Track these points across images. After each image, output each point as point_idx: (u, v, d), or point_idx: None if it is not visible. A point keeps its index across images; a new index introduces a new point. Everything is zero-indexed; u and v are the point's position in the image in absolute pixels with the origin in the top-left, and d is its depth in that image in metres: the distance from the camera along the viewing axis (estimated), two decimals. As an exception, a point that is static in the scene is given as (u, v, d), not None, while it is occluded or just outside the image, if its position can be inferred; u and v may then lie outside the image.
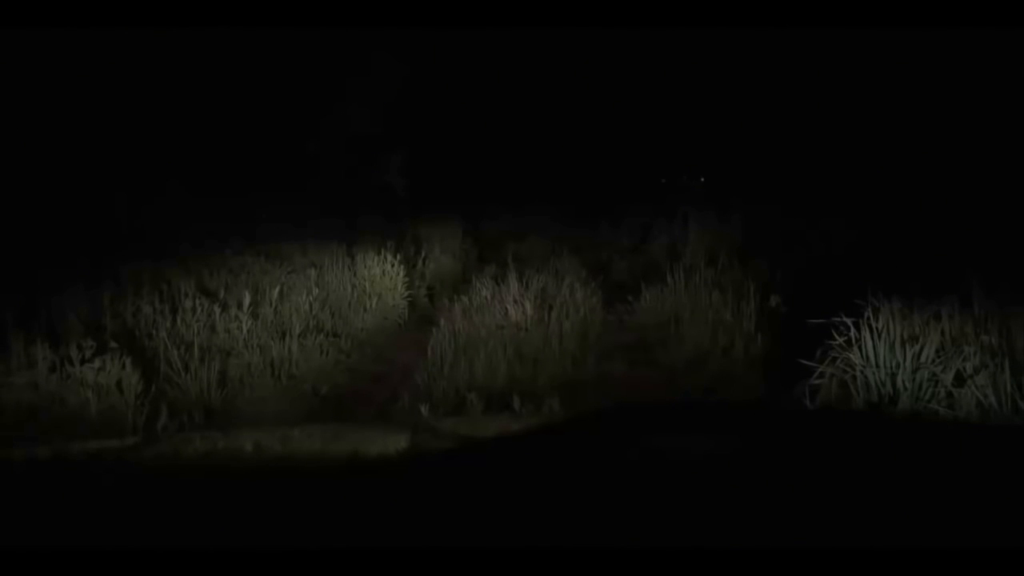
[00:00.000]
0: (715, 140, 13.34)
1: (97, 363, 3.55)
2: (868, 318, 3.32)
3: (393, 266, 7.45)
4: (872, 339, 3.21)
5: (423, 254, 9.13)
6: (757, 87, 10.67)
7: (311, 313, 6.13)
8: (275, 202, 10.47)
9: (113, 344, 3.80)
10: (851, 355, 3.26)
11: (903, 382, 3.03)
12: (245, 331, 5.31)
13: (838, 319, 3.44)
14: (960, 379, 2.90)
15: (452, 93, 13.70)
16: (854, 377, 3.21)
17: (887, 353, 3.13)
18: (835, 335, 3.42)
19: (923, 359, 3.05)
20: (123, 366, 3.69)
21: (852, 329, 3.35)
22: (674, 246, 9.77)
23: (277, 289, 6.15)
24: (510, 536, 1.06)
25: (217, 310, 5.45)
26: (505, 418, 3.11)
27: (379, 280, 7.31)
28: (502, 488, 1.27)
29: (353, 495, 1.25)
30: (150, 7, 7.48)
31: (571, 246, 10.35)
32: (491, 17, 8.99)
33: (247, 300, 5.62)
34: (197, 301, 5.49)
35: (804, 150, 9.31)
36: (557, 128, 14.67)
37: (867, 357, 3.19)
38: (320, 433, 1.90)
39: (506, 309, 5.87)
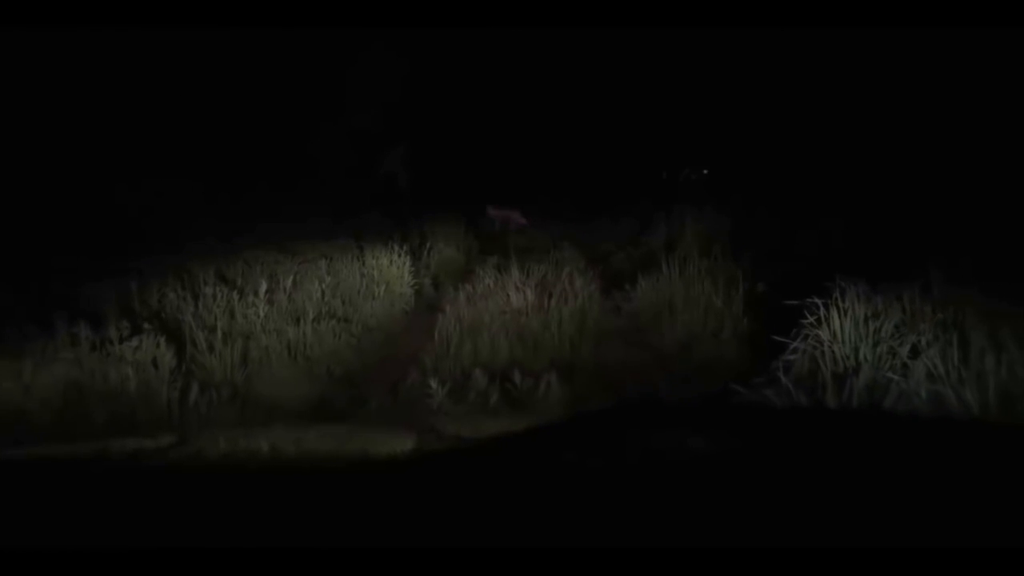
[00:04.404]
0: (709, 140, 13.62)
1: (135, 342, 3.88)
2: (836, 299, 3.65)
3: (400, 256, 7.77)
4: (839, 317, 3.54)
5: (428, 246, 9.45)
6: (742, 91, 10.96)
7: (323, 300, 6.46)
8: (284, 201, 10.78)
9: (147, 326, 4.13)
10: (820, 332, 3.59)
11: (864, 355, 3.36)
12: (262, 316, 5.65)
13: (810, 300, 3.77)
14: (916, 352, 3.22)
15: (454, 91, 13.97)
16: (823, 352, 3.54)
17: (851, 329, 3.46)
18: (808, 315, 3.75)
19: (883, 334, 3.38)
20: (157, 345, 4.02)
21: (822, 309, 3.68)
22: (671, 239, 10.06)
23: (291, 278, 6.48)
24: (511, 535, 1.09)
25: (235, 297, 5.79)
26: (506, 419, 3.27)
27: (386, 270, 7.63)
28: (504, 488, 1.31)
29: (364, 492, 1.31)
30: (161, 9, 7.71)
31: (571, 239, 10.66)
32: (492, 17, 9.22)
33: (263, 288, 5.95)
34: (216, 289, 5.84)
35: (792, 151, 9.62)
36: (558, 125, 14.93)
37: (834, 333, 3.52)
38: (333, 433, 2.00)
39: (508, 296, 6.19)
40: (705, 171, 16.97)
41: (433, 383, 3.82)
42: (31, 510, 1.23)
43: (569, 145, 15.16)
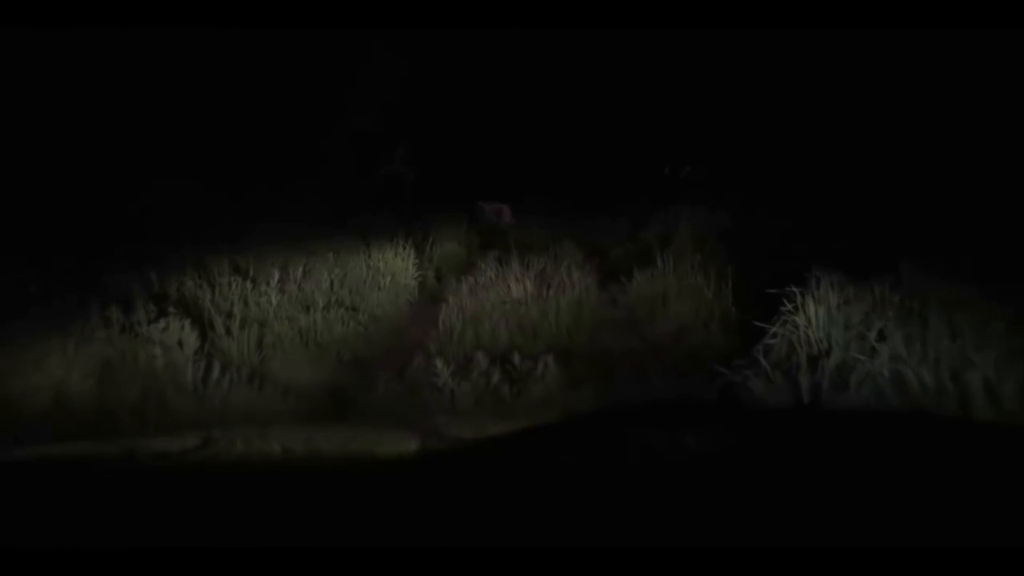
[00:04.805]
0: (706, 140, 13.90)
1: (162, 324, 4.18)
2: (812, 288, 3.95)
3: (405, 248, 8.07)
4: (814, 304, 3.85)
5: (430, 240, 9.74)
6: (737, 91, 11.23)
7: (332, 290, 6.75)
8: (285, 200, 10.99)
9: (171, 309, 4.43)
10: (797, 318, 3.89)
11: (836, 339, 3.65)
12: (275, 304, 5.94)
13: (789, 289, 4.07)
14: (883, 336, 3.51)
15: (455, 90, 14.20)
16: (799, 336, 3.84)
17: (824, 316, 3.76)
18: (787, 303, 4.05)
19: (853, 320, 3.68)
20: (182, 327, 4.32)
21: (799, 297, 3.98)
22: (668, 236, 10.37)
23: (300, 269, 6.76)
24: (510, 535, 1.11)
25: (249, 286, 6.08)
26: (507, 420, 3.56)
27: (391, 262, 7.93)
28: (504, 487, 1.34)
29: (371, 493, 1.35)
30: (162, 9, 7.81)
31: (571, 236, 10.97)
32: (492, 17, 9.39)
33: (276, 277, 6.25)
34: (231, 278, 6.13)
35: (784, 151, 9.92)
36: (558, 125, 15.18)
37: (809, 320, 3.82)
38: (340, 434, 2.09)
39: (508, 287, 6.48)
40: (705, 170, 17.27)
41: (439, 363, 4.12)
42: (67, 509, 1.28)
43: (569, 144, 15.41)
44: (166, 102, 10.11)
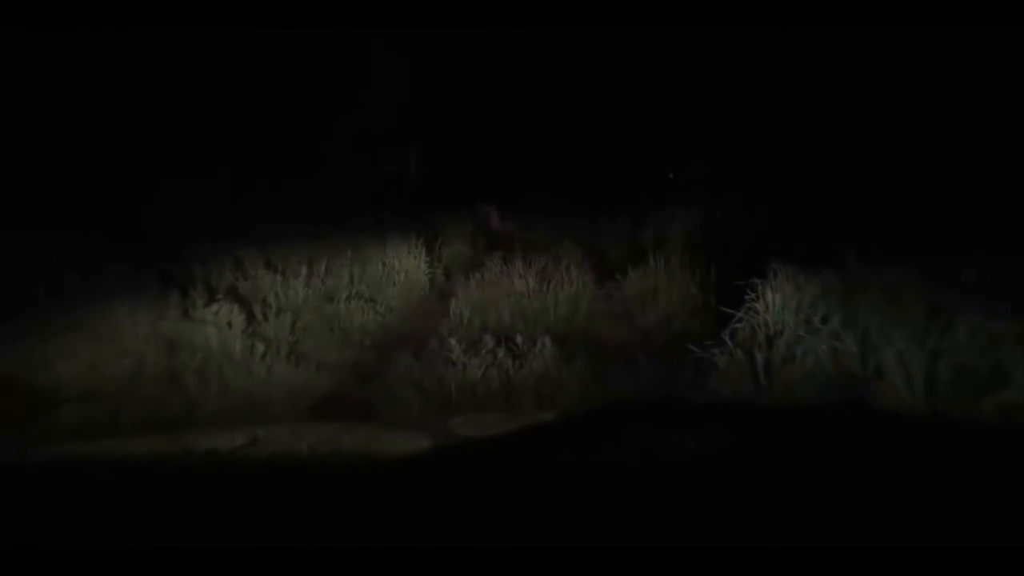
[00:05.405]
0: (702, 142, 14.48)
1: (215, 307, 4.87)
2: (771, 278, 4.62)
3: (417, 246, 8.76)
4: (771, 293, 4.52)
5: (439, 241, 10.41)
6: (730, 92, 11.80)
7: (351, 284, 7.44)
8: (288, 200, 11.53)
9: (220, 295, 5.12)
10: (758, 305, 4.56)
11: (788, 321, 4.32)
12: (302, 295, 6.63)
13: (753, 281, 4.75)
14: (826, 318, 4.18)
15: (457, 92, 14.76)
16: (759, 320, 4.51)
17: (780, 302, 4.44)
18: (751, 292, 4.73)
19: (802, 305, 4.35)
20: (230, 311, 5.01)
21: (760, 287, 4.66)
22: (663, 236, 11.04)
23: (323, 264, 7.45)
24: (511, 533, 1.13)
25: (279, 279, 6.77)
26: (507, 421, 4.09)
27: (405, 259, 8.61)
28: (504, 486, 1.36)
29: (381, 490, 1.40)
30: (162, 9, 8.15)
31: (571, 236, 11.63)
32: (494, 17, 9.82)
33: (303, 272, 6.94)
34: (263, 271, 6.82)
35: (774, 153, 10.52)
36: (560, 127, 15.77)
37: (767, 305, 4.49)
38: (362, 433, 2.11)
39: (512, 282, 7.17)
40: (703, 171, 17.90)
41: (452, 341, 4.81)
42: (127, 507, 1.34)
43: (571, 146, 16.01)
44: (166, 102, 10.58)
